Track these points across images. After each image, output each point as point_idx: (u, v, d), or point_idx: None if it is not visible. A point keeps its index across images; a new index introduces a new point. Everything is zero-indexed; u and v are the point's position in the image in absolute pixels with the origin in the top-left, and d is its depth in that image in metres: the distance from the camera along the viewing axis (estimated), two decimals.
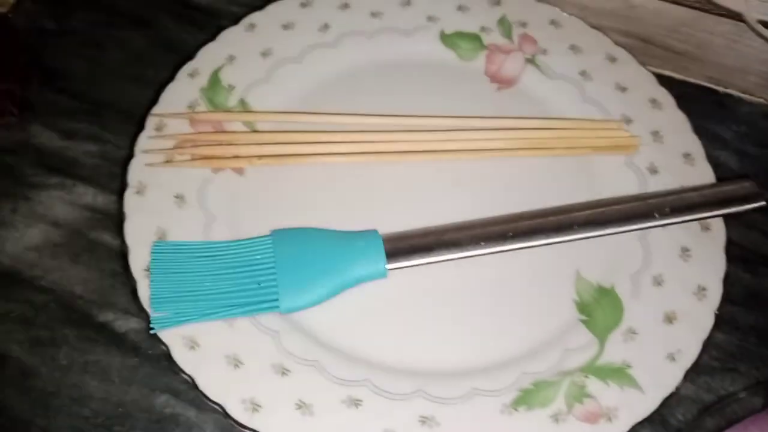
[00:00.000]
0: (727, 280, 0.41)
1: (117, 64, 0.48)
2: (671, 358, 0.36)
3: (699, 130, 0.45)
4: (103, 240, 0.41)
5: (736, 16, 0.48)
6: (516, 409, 0.34)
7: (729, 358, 0.40)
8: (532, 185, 0.42)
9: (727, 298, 0.41)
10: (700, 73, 0.50)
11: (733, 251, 0.42)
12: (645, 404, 0.35)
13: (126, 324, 0.39)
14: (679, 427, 0.37)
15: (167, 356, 0.35)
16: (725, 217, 0.41)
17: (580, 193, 0.42)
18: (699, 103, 0.49)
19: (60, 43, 0.49)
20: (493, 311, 0.38)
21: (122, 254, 0.39)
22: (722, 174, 0.45)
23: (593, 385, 0.35)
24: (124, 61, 0.49)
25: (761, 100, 0.50)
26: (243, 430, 0.34)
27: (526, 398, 0.35)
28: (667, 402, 0.37)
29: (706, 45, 0.50)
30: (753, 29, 0.48)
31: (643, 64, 0.47)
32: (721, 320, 0.40)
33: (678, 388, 0.36)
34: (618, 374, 0.36)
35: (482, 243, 0.39)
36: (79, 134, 0.45)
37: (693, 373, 0.38)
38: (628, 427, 0.34)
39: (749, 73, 0.50)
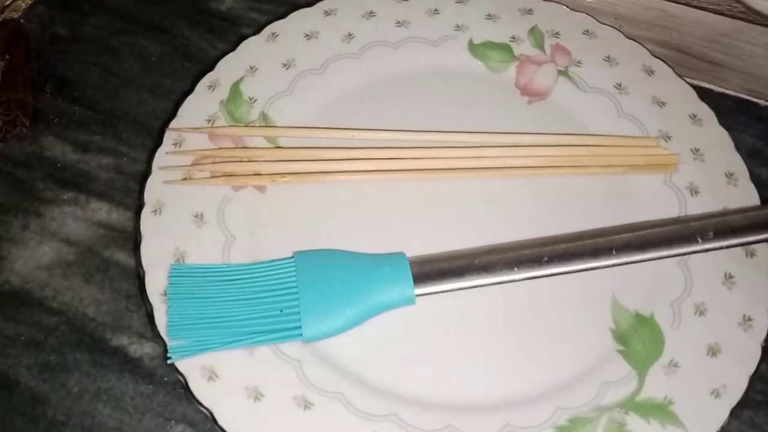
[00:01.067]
0: None
1: (132, 72, 0.47)
2: (716, 394, 0.34)
3: (740, 145, 0.43)
4: (117, 259, 0.40)
5: None
6: None
7: None
8: (565, 205, 0.40)
9: None
10: (740, 86, 0.48)
11: None
12: None
13: (141, 349, 0.37)
14: None
15: (184, 385, 0.34)
16: None
17: (617, 214, 0.40)
18: (739, 117, 0.47)
19: (73, 50, 0.48)
20: (525, 340, 0.36)
21: (137, 274, 0.37)
22: (764, 191, 0.43)
23: (633, 422, 0.33)
24: (140, 69, 0.47)
25: None
26: None
27: None
28: None
29: (747, 56, 0.48)
30: None
31: (682, 76, 0.45)
32: (766, 351, 0.38)
33: (723, 428, 0.34)
34: (660, 411, 0.34)
35: (515, 268, 0.37)
36: (94, 147, 0.44)
37: (738, 408, 0.36)
38: None
39: None
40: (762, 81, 0.47)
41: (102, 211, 0.41)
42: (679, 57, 0.48)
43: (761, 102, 0.48)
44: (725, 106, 0.47)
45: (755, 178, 0.43)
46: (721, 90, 0.48)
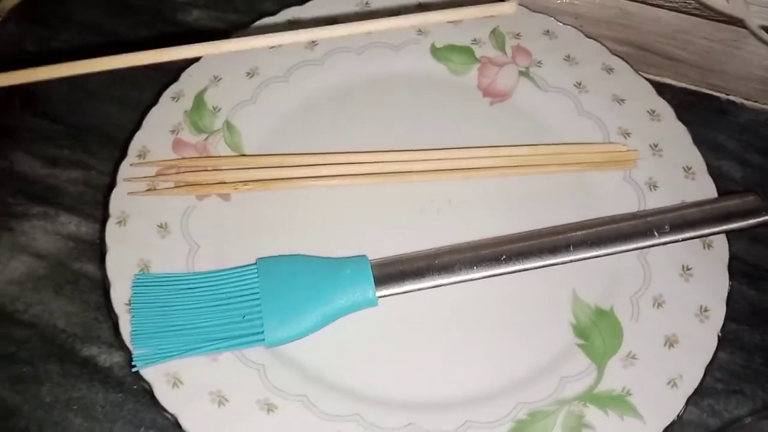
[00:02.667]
0: (731, 298, 0.40)
1: (99, 86, 0.47)
2: (673, 384, 0.35)
3: (700, 139, 0.44)
4: (86, 271, 0.40)
5: (738, 22, 0.46)
6: None
7: (733, 379, 0.38)
8: (526, 205, 0.41)
9: (731, 316, 0.39)
10: (702, 81, 0.49)
11: (736, 267, 0.41)
12: None
13: (110, 358, 0.38)
14: None
15: (152, 395, 0.34)
16: (729, 233, 0.40)
17: (577, 212, 0.41)
18: (700, 112, 0.48)
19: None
20: (486, 338, 0.37)
21: (104, 287, 0.38)
22: (725, 183, 0.43)
23: (592, 414, 0.34)
24: (107, 82, 0.47)
25: (765, 107, 0.48)
26: None
27: (522, 430, 0.34)
28: (670, 429, 0.35)
29: (706, 52, 0.48)
30: (755, 35, 0.46)
31: (640, 73, 0.45)
32: (724, 340, 0.39)
33: (680, 416, 0.34)
34: (618, 402, 0.34)
35: (475, 267, 0.37)
36: (62, 161, 0.44)
37: (696, 396, 0.37)
38: None
39: (751, 79, 0.48)
40: (721, 75, 0.48)
41: (71, 224, 0.42)
42: (640, 54, 0.49)
43: (722, 96, 0.48)
44: (686, 101, 0.48)
45: (716, 171, 0.44)
46: (682, 85, 0.49)
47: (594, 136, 0.43)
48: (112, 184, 0.40)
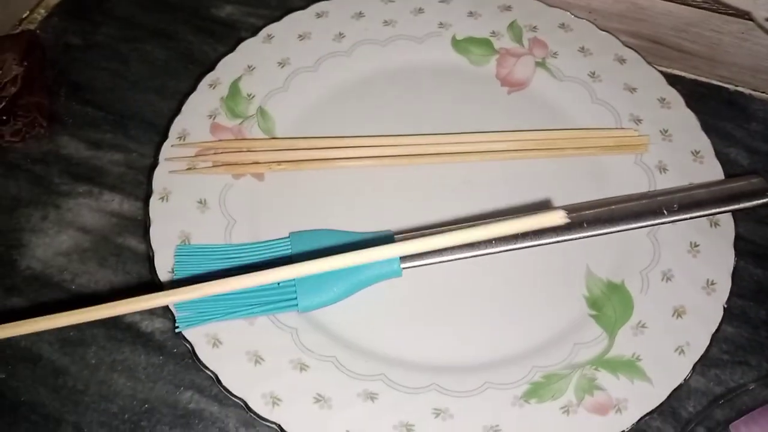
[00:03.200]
0: (738, 275, 0.42)
1: (140, 76, 0.50)
2: (680, 351, 0.37)
3: (710, 128, 0.46)
4: (129, 245, 0.43)
5: (745, 15, 0.49)
6: (527, 402, 0.35)
7: (739, 351, 0.40)
8: (542, 186, 0.43)
9: (737, 293, 0.41)
10: (711, 72, 0.51)
11: (743, 247, 0.43)
12: (654, 396, 0.35)
13: (152, 324, 0.40)
14: (689, 419, 0.37)
15: (191, 354, 0.37)
16: (735, 212, 0.42)
17: (590, 193, 0.43)
18: (710, 102, 0.50)
19: (85, 57, 0.51)
20: (504, 307, 0.39)
21: (148, 258, 0.41)
22: (732, 169, 0.45)
23: (603, 377, 0.36)
24: (147, 73, 0.51)
25: None
26: (263, 422, 0.35)
27: (537, 391, 0.36)
28: (677, 394, 0.37)
29: (715, 44, 0.50)
30: (761, 27, 0.48)
31: (652, 64, 0.48)
32: (731, 314, 0.41)
33: (687, 380, 0.36)
34: (628, 367, 0.36)
35: (493, 241, 0.40)
36: (105, 144, 0.47)
37: (703, 366, 0.39)
38: (638, 418, 0.35)
39: (759, 71, 0.50)
40: (729, 67, 0.50)
41: (114, 202, 0.45)
42: (652, 47, 0.51)
43: (731, 87, 0.51)
44: (697, 92, 0.50)
45: (725, 158, 0.46)
46: (693, 77, 0.51)
47: (607, 122, 0.46)
48: (154, 164, 0.43)
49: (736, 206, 0.41)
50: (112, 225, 0.44)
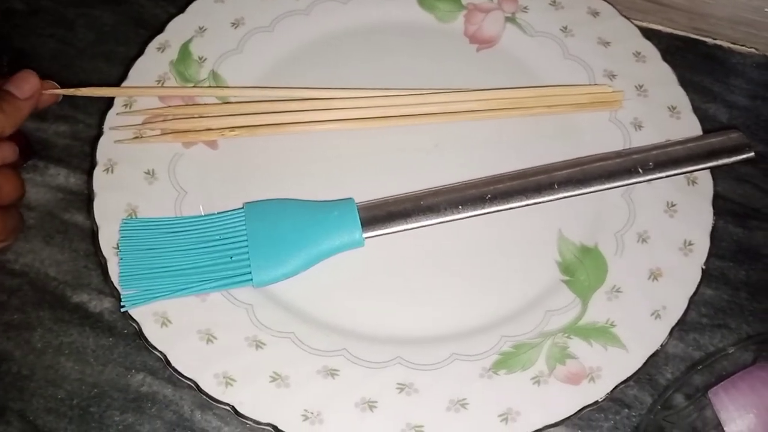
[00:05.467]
0: (717, 235, 0.40)
1: (87, 42, 0.48)
2: (656, 315, 0.35)
3: (687, 83, 0.44)
4: (75, 221, 0.41)
5: None
6: (496, 373, 0.34)
7: (719, 314, 0.39)
8: (514, 147, 0.41)
9: (716, 254, 0.40)
10: (689, 25, 0.49)
11: (722, 206, 0.41)
12: (629, 363, 0.34)
13: (100, 304, 0.38)
14: (666, 385, 0.36)
15: (141, 334, 0.35)
16: (713, 169, 0.40)
17: (564, 152, 0.41)
18: (687, 56, 0.48)
19: (30, 23, 0.48)
20: (472, 276, 0.37)
21: (94, 233, 0.38)
22: (711, 125, 0.44)
23: (576, 345, 0.34)
24: (95, 39, 0.48)
25: (752, 50, 0.48)
26: (217, 404, 0.33)
27: (507, 361, 0.34)
28: (654, 361, 0.36)
29: None
30: None
31: (626, 17, 0.45)
32: (710, 276, 0.39)
33: (663, 346, 0.35)
34: (601, 333, 0.35)
35: (460, 207, 0.38)
36: (51, 115, 0.44)
37: (681, 330, 0.38)
38: (612, 387, 0.33)
39: (739, 23, 0.48)
40: (708, 20, 0.48)
41: (60, 176, 0.42)
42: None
43: (708, 40, 0.48)
44: (674, 45, 0.48)
45: (703, 114, 0.44)
46: (669, 30, 0.49)
47: (580, 78, 0.43)
48: (99, 134, 0.40)
49: (715, 163, 0.39)
50: (58, 200, 0.41)
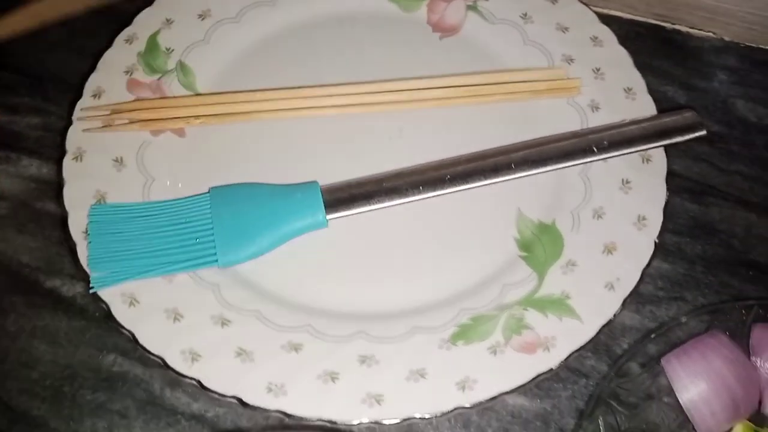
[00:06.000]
0: (674, 212, 0.41)
1: (59, 38, 0.48)
2: (610, 287, 0.36)
3: (647, 67, 0.45)
4: (48, 209, 0.42)
5: None
6: (454, 344, 0.35)
7: (675, 287, 0.40)
8: (474, 132, 0.42)
9: (673, 230, 0.41)
10: (648, 11, 0.50)
11: (680, 184, 0.42)
12: (583, 332, 0.35)
13: (72, 289, 0.39)
14: (622, 354, 0.37)
15: (109, 314, 0.36)
16: (668, 148, 0.41)
17: (523, 134, 0.42)
18: (647, 41, 0.49)
19: (1, 18, 0.49)
20: (433, 254, 0.38)
21: (65, 221, 0.39)
22: (669, 108, 0.45)
23: (532, 316, 0.36)
24: (66, 34, 0.49)
25: (709, 34, 0.49)
26: (184, 379, 0.34)
27: (464, 333, 0.35)
28: (612, 332, 0.37)
29: None
30: None
31: (585, 3, 0.46)
32: (666, 251, 0.40)
33: (616, 316, 0.36)
34: (557, 305, 0.36)
35: (421, 188, 0.39)
36: (22, 108, 0.45)
37: (638, 303, 0.39)
38: (566, 355, 0.34)
39: (696, 7, 0.49)
40: (667, 5, 0.49)
41: (32, 166, 0.43)
42: None
43: (667, 26, 0.50)
44: (634, 31, 0.49)
45: (662, 96, 0.45)
46: (629, 17, 0.50)
47: (540, 63, 0.45)
48: (69, 124, 0.41)
49: (668, 141, 0.40)
50: (31, 190, 0.42)
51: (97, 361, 0.37)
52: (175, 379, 0.36)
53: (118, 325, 0.35)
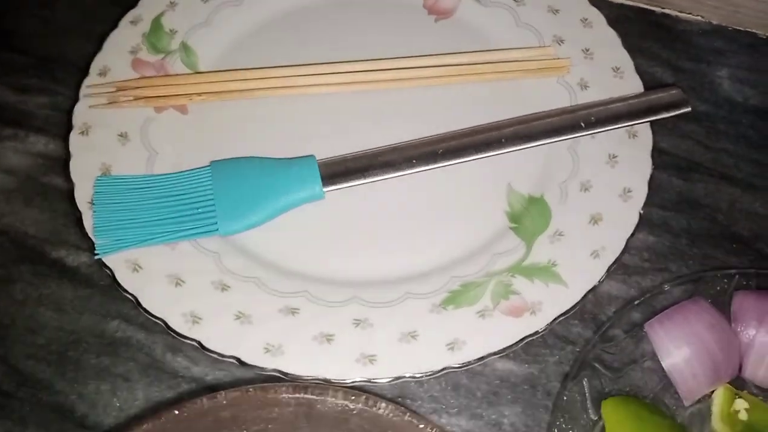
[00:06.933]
0: (661, 187, 0.42)
1: (67, 21, 0.50)
2: (595, 255, 0.37)
3: (636, 49, 0.46)
4: (55, 183, 0.43)
5: None
6: (445, 308, 0.36)
7: (660, 258, 0.41)
8: (468, 107, 0.44)
9: (659, 204, 0.42)
10: None
11: (667, 160, 0.44)
12: (568, 298, 0.36)
13: (78, 258, 0.41)
14: (604, 321, 0.38)
15: (112, 280, 0.37)
16: (656, 125, 0.42)
17: (514, 111, 0.43)
18: (636, 25, 0.50)
19: (11, 3, 0.51)
20: (426, 225, 0.40)
21: (72, 193, 0.41)
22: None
23: (519, 283, 0.37)
24: (75, 18, 0.50)
25: (698, 18, 0.50)
26: (185, 340, 0.36)
27: (455, 298, 0.36)
28: (598, 300, 0.38)
29: None
30: None
31: None
32: (652, 224, 0.42)
33: (601, 282, 0.37)
34: (543, 272, 0.37)
35: (414, 161, 0.40)
36: (32, 88, 0.47)
37: (624, 274, 0.40)
38: (551, 318, 0.36)
39: None
40: None
41: (40, 143, 0.45)
42: None
43: (657, 9, 0.51)
44: (623, 15, 0.50)
45: (650, 77, 0.47)
46: (620, 1, 0.51)
47: (531, 44, 0.46)
48: (75, 101, 0.43)
49: (654, 117, 0.42)
50: (38, 165, 0.44)
51: (101, 327, 0.39)
52: (177, 344, 0.37)
53: (122, 290, 0.37)
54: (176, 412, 0.28)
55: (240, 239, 0.39)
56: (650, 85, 0.45)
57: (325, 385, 0.28)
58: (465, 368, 0.35)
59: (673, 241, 0.42)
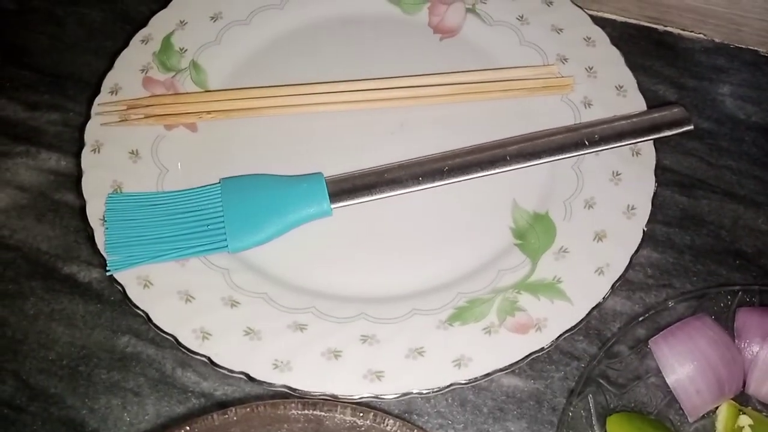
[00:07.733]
0: (665, 204, 0.43)
1: (77, 38, 0.51)
2: (600, 272, 0.38)
3: (639, 67, 0.47)
4: (66, 200, 0.44)
5: None
6: (451, 325, 0.37)
7: (664, 275, 0.41)
8: (473, 125, 0.44)
9: (663, 221, 0.43)
10: (640, 14, 0.52)
11: (670, 177, 0.44)
12: (573, 314, 0.37)
13: (89, 274, 0.41)
14: (609, 337, 0.38)
15: (123, 296, 0.38)
16: (657, 142, 0.43)
17: (519, 129, 0.44)
18: (639, 43, 0.51)
19: (21, 21, 0.52)
20: (432, 242, 0.40)
21: (83, 210, 0.41)
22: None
23: (525, 299, 0.37)
24: (84, 35, 0.51)
25: (700, 36, 0.51)
26: (194, 356, 0.36)
27: (461, 314, 0.37)
28: (603, 317, 0.39)
29: None
30: None
31: (577, 4, 0.49)
32: (656, 241, 0.42)
33: (605, 299, 0.38)
34: (549, 289, 0.38)
35: (420, 179, 0.41)
36: (43, 105, 0.48)
37: (629, 290, 0.40)
38: (557, 335, 0.36)
39: (687, 10, 0.51)
40: (658, 8, 0.51)
41: (51, 160, 0.45)
42: None
43: (659, 27, 0.52)
44: (627, 33, 0.51)
45: (653, 95, 0.47)
46: (623, 19, 0.52)
47: (535, 63, 0.47)
48: (87, 118, 0.44)
49: (657, 135, 0.42)
50: (50, 182, 0.44)
51: (111, 342, 0.39)
52: (187, 360, 0.38)
53: (133, 306, 0.37)
54: (187, 428, 0.28)
55: (249, 255, 0.39)
56: (653, 102, 0.45)
57: (333, 402, 0.29)
58: (471, 384, 0.35)
59: (677, 257, 0.42)
